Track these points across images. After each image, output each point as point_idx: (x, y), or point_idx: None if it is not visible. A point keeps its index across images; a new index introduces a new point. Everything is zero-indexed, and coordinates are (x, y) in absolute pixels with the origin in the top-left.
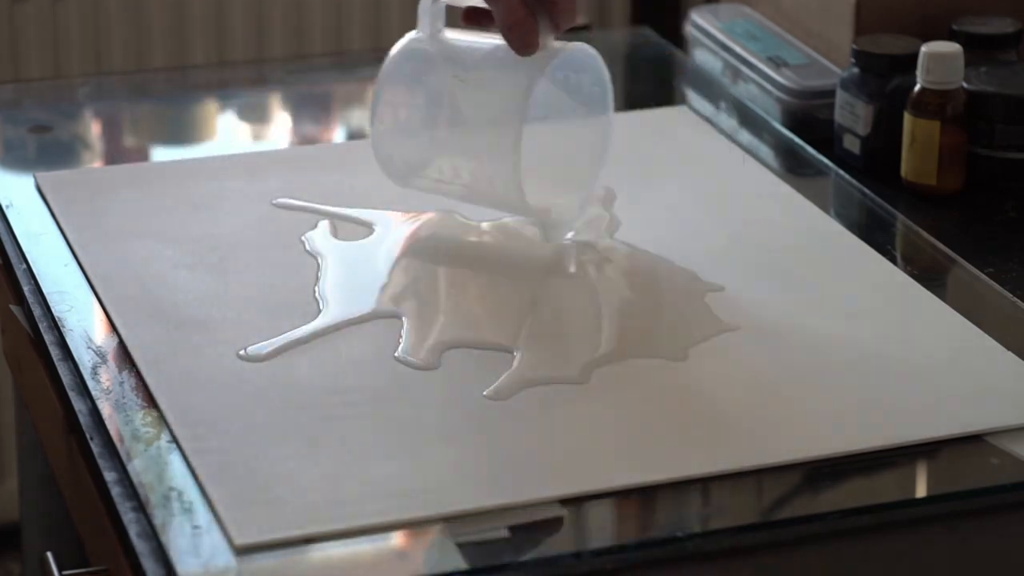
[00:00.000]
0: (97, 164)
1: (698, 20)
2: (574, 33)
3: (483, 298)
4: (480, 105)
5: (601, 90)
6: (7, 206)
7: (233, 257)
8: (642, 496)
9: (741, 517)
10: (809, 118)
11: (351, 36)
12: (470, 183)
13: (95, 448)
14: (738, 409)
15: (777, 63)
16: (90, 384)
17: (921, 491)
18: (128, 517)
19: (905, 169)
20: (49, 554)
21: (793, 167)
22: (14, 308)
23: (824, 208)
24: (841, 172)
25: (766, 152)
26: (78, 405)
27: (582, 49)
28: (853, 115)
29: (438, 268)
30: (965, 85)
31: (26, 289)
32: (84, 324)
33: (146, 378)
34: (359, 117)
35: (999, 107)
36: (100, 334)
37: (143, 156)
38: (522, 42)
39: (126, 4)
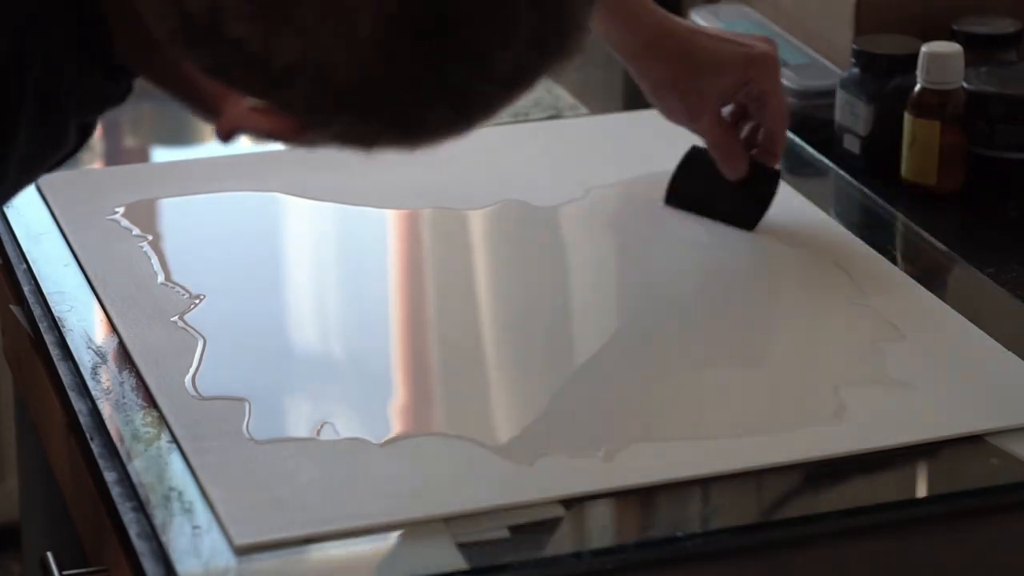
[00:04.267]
0: (97, 164)
1: (698, 20)
2: None
3: (483, 301)
4: None
5: None
6: (7, 206)
7: (233, 257)
8: (642, 496)
9: (741, 517)
10: (809, 118)
11: None
12: None
13: (95, 448)
14: (739, 409)
15: None
16: (90, 384)
17: (921, 491)
18: (128, 517)
19: (905, 169)
20: (49, 554)
21: (793, 167)
22: (14, 308)
23: (824, 208)
24: (841, 172)
25: None
26: (78, 405)
27: None
28: (853, 115)
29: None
30: (965, 85)
31: (26, 289)
32: (84, 324)
33: (146, 378)
34: None
35: (999, 107)
36: (100, 334)
37: (143, 156)
38: (727, 165)
39: None
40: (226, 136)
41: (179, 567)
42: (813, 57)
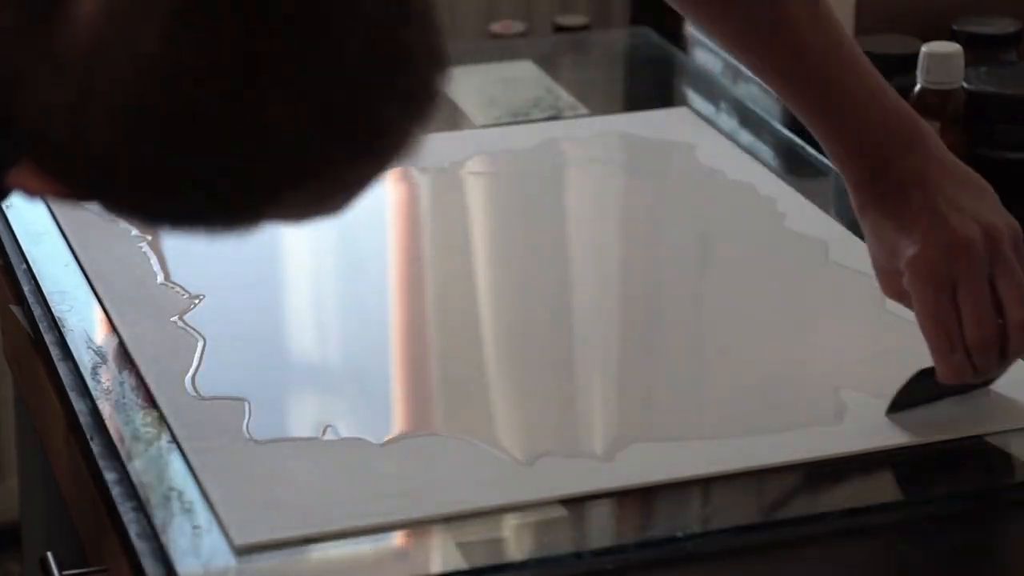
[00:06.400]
0: None
1: None
2: (573, 33)
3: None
4: None
5: None
6: (7, 206)
7: (233, 257)
8: (642, 496)
9: (741, 517)
10: None
11: None
12: None
13: (95, 448)
14: (738, 409)
15: None
16: (90, 384)
17: (921, 491)
18: (128, 517)
19: None
20: (49, 554)
21: (793, 167)
22: (14, 308)
23: (824, 208)
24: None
25: (766, 152)
26: (78, 405)
27: None
28: None
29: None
30: (965, 85)
31: (26, 289)
32: (84, 324)
33: (146, 378)
34: None
35: (999, 107)
36: (100, 334)
37: None
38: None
39: None
40: None
41: (179, 567)
42: None
